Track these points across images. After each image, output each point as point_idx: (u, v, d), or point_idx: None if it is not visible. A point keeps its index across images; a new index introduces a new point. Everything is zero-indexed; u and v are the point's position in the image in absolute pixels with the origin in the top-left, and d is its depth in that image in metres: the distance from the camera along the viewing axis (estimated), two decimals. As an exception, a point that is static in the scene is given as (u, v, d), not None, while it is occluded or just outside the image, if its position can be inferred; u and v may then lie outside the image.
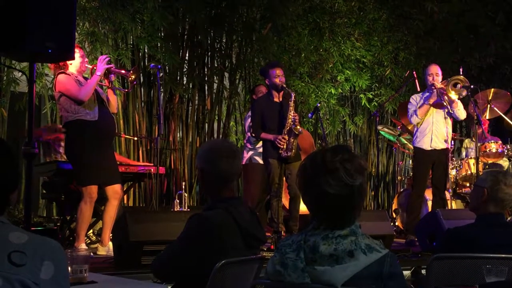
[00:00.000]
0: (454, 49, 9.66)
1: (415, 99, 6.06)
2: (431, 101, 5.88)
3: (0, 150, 1.54)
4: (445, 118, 5.97)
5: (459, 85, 5.89)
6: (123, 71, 5.43)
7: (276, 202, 5.47)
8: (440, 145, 5.95)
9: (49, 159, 5.88)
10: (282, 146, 5.31)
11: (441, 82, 5.93)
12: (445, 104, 5.87)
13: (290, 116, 5.35)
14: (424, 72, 6.13)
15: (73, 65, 4.90)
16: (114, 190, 4.95)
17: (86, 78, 5.00)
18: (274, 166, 5.43)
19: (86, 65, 4.98)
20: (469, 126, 8.32)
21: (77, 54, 4.91)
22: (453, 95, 5.85)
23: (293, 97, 5.40)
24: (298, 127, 5.37)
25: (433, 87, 5.88)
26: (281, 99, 5.54)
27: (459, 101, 5.92)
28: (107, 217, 4.96)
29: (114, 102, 5.10)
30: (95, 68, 4.92)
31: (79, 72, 4.93)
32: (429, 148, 5.94)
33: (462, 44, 9.68)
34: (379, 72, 8.92)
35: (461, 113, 5.95)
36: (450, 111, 5.91)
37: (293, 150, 5.35)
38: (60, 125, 6.56)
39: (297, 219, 5.63)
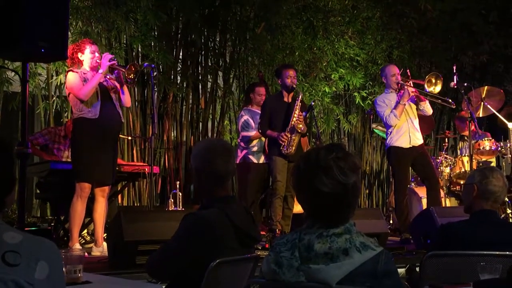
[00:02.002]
0: (448, 47, 9.69)
1: (383, 101, 6.04)
2: (405, 100, 5.91)
3: None
4: (416, 114, 6.08)
5: (433, 80, 5.99)
6: (123, 69, 5.35)
7: (277, 201, 5.50)
8: (417, 141, 6.03)
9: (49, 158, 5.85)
10: (283, 143, 5.46)
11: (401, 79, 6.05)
12: (416, 101, 6.01)
13: (295, 115, 5.54)
14: (384, 74, 6.12)
15: (85, 61, 4.92)
16: (101, 188, 4.96)
17: None
18: (277, 163, 5.51)
19: (98, 60, 4.95)
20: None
21: (88, 49, 4.91)
22: (433, 89, 5.95)
23: (300, 96, 5.64)
24: (301, 125, 5.52)
25: (399, 85, 5.96)
26: (290, 100, 5.73)
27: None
28: (96, 215, 4.97)
29: (122, 96, 5.02)
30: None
31: (91, 68, 4.92)
32: (409, 146, 5.97)
33: (456, 42, 9.71)
34: (373, 70, 8.92)
35: (429, 109, 6.10)
36: (420, 107, 6.02)
37: (293, 147, 5.48)
38: (54, 126, 6.56)
39: (289, 218, 5.66)
